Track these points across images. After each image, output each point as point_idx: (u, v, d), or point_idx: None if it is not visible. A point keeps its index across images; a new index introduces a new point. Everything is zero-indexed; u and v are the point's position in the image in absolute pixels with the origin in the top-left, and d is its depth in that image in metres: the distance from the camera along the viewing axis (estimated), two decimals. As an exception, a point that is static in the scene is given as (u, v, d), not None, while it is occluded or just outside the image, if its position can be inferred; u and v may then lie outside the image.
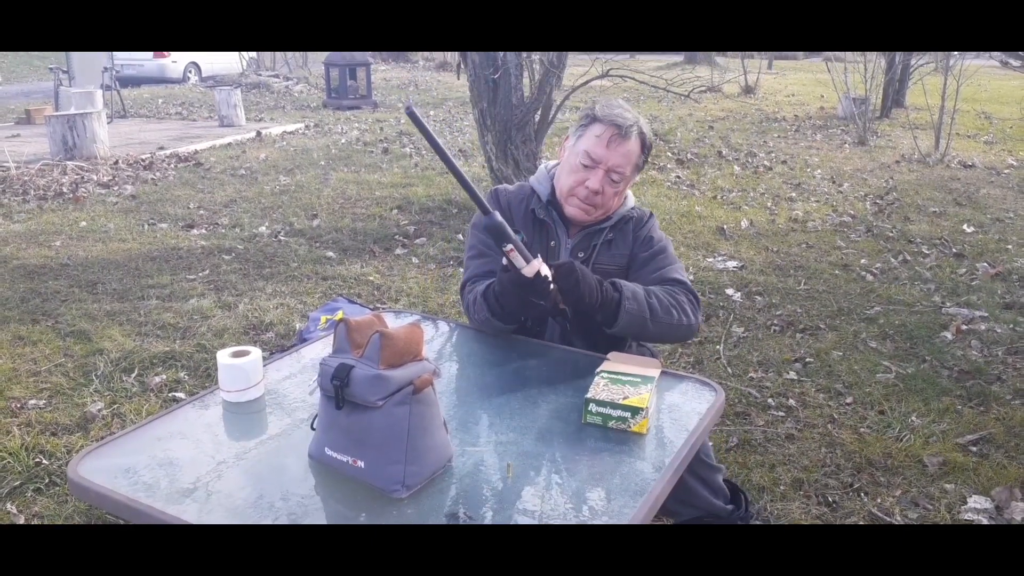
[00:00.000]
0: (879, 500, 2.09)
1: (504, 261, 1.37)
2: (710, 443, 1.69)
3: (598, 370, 1.38)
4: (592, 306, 1.45)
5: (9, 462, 2.16)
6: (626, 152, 1.58)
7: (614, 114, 1.60)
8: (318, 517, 1.05)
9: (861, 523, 2.00)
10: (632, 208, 1.70)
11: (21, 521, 1.95)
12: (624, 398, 1.27)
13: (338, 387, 1.06)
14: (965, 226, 4.88)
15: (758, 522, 1.96)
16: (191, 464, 1.16)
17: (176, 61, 14.38)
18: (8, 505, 2.00)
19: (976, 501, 2.07)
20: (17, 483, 2.09)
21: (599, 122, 1.60)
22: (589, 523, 1.03)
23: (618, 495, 1.10)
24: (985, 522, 2.00)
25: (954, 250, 4.38)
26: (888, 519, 2.01)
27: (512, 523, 1.03)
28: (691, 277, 3.81)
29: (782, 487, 2.13)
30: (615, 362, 1.43)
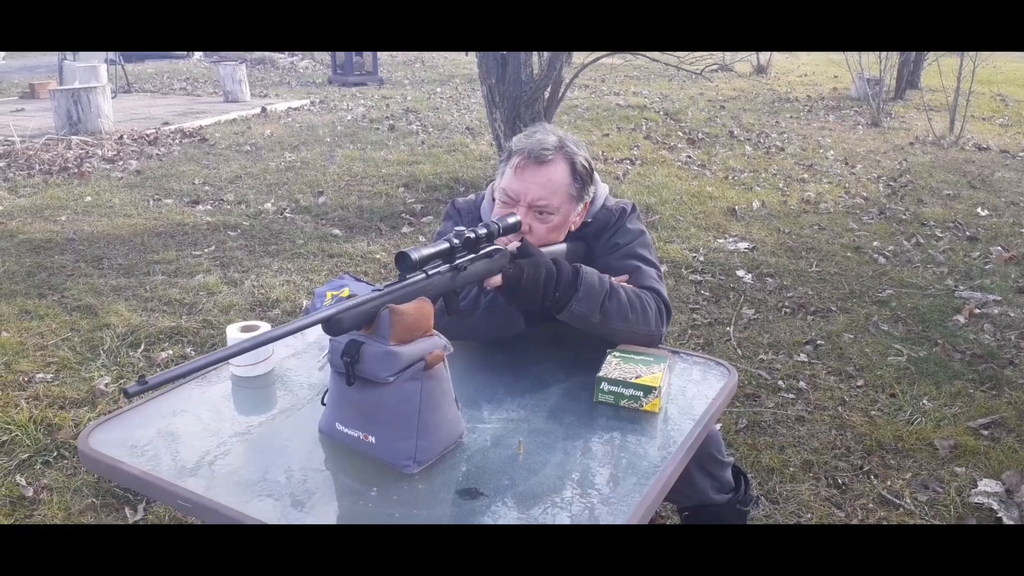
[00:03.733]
0: (889, 483, 2.08)
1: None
2: (721, 436, 1.65)
3: (610, 349, 1.36)
4: (532, 308, 1.31)
5: (18, 435, 2.17)
6: (545, 181, 1.39)
7: (530, 141, 1.42)
8: (328, 492, 1.04)
9: (871, 505, 1.99)
10: (594, 216, 1.51)
11: (30, 494, 1.95)
12: (637, 377, 1.25)
13: (348, 363, 1.04)
14: (979, 209, 4.81)
15: (760, 505, 1.95)
16: (199, 438, 1.15)
17: (181, 36, 14.25)
18: (17, 477, 2.01)
19: (986, 484, 2.06)
20: (26, 456, 2.10)
21: (515, 154, 1.43)
22: (598, 507, 1.02)
23: (628, 475, 1.08)
24: (995, 506, 1.99)
25: (968, 233, 4.33)
26: (898, 502, 2.00)
27: (522, 500, 1.02)
28: (702, 258, 3.78)
29: (791, 469, 2.12)
30: (628, 341, 1.41)
